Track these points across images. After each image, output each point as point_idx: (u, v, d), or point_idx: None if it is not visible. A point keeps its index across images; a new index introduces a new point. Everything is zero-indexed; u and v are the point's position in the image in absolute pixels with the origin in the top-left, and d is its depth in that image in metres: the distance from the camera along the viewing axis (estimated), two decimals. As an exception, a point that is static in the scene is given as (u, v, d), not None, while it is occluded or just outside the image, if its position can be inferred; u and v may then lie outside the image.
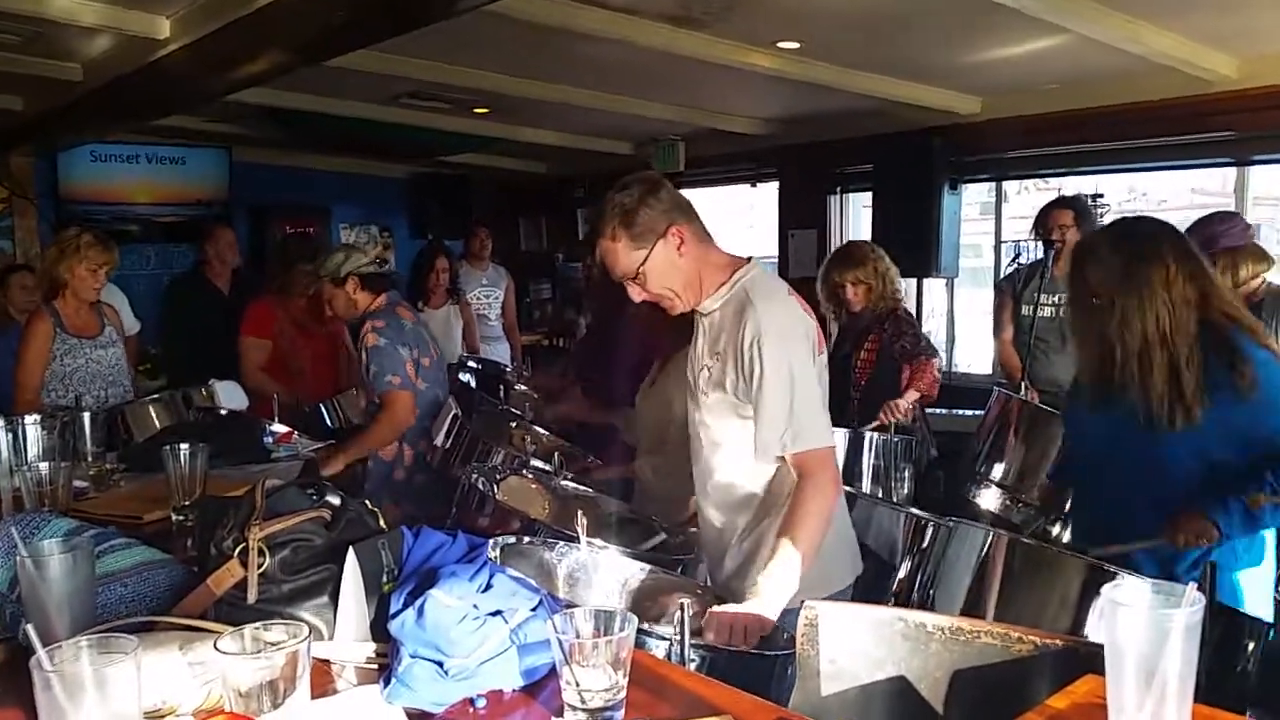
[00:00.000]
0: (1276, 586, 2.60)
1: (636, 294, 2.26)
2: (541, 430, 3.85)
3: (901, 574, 2.36)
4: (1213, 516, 2.24)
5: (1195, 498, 2.29)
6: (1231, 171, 5.61)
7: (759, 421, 2.16)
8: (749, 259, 2.31)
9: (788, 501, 2.16)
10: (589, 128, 7.39)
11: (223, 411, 3.50)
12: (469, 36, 4.71)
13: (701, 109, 6.63)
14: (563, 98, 6.02)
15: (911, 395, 4.07)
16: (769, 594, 1.97)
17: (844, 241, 7.07)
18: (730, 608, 1.94)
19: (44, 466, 2.14)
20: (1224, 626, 1.95)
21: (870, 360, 4.27)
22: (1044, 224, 4.55)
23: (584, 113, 6.51)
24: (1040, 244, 4.63)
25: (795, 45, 4.94)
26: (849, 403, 4.16)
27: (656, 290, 2.23)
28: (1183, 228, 3.53)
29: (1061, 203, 4.64)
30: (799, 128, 6.86)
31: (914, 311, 6.84)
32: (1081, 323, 2.53)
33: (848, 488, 2.97)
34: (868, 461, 3.68)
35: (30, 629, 1.06)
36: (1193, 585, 1.07)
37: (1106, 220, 5.74)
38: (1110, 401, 2.43)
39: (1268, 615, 2.38)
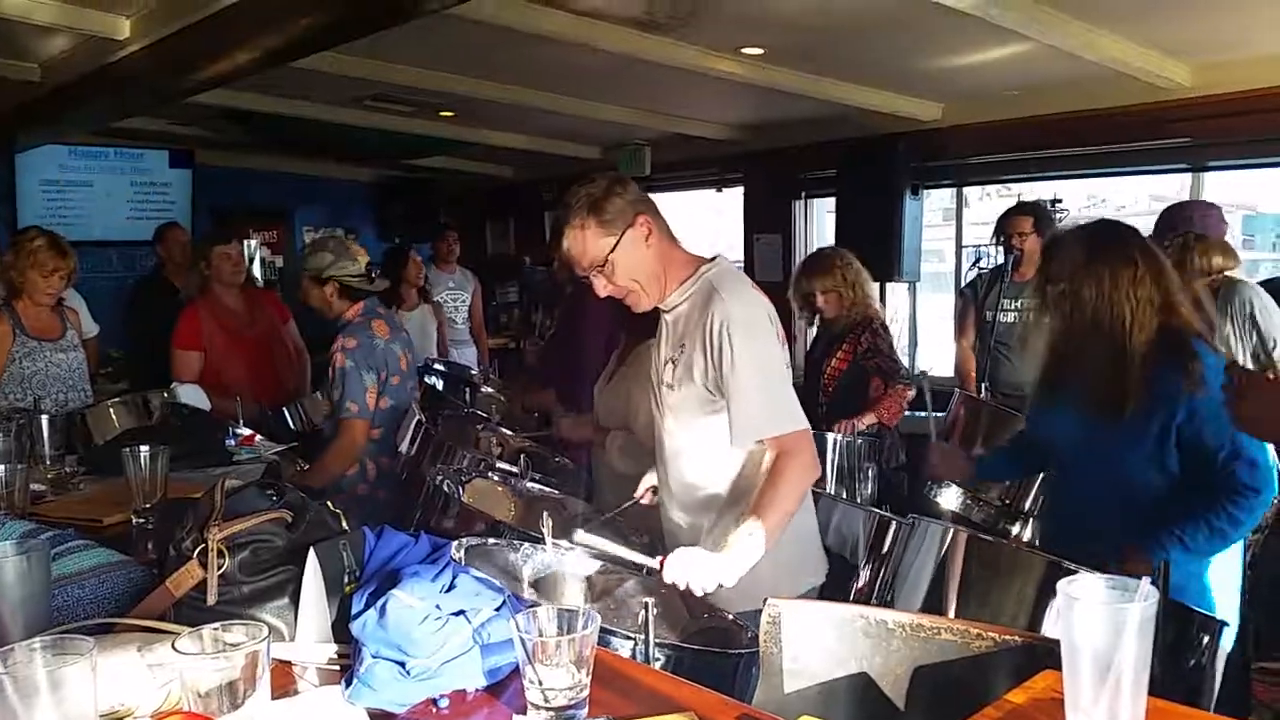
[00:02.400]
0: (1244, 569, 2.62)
1: (602, 287, 2.27)
2: (507, 432, 3.83)
3: (864, 572, 2.38)
4: (1152, 556, 2.23)
5: (1140, 528, 2.29)
6: (1188, 178, 5.70)
7: (735, 407, 2.17)
8: (714, 257, 2.33)
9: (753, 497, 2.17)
10: (555, 132, 7.39)
11: (185, 411, 3.45)
12: (434, 39, 4.70)
13: (667, 114, 6.65)
14: (528, 101, 6.01)
15: (868, 419, 4.04)
16: (737, 552, 2.00)
17: (811, 247, 7.14)
18: (691, 553, 1.97)
19: (-1, 469, 2.11)
20: (1178, 623, 1.98)
21: (840, 369, 4.25)
22: (1004, 230, 4.61)
23: (550, 117, 6.51)
24: (1001, 250, 4.69)
25: (759, 51, 4.98)
26: (816, 409, 4.15)
27: (622, 281, 2.25)
28: (1145, 231, 3.60)
29: (1021, 209, 4.70)
30: (763, 133, 6.90)
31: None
32: (1041, 317, 2.53)
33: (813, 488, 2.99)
34: (831, 462, 3.70)
35: (-18, 630, 1.04)
36: (1146, 580, 1.09)
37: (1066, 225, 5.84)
38: (1063, 398, 2.46)
39: (1234, 604, 2.41)
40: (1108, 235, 2.44)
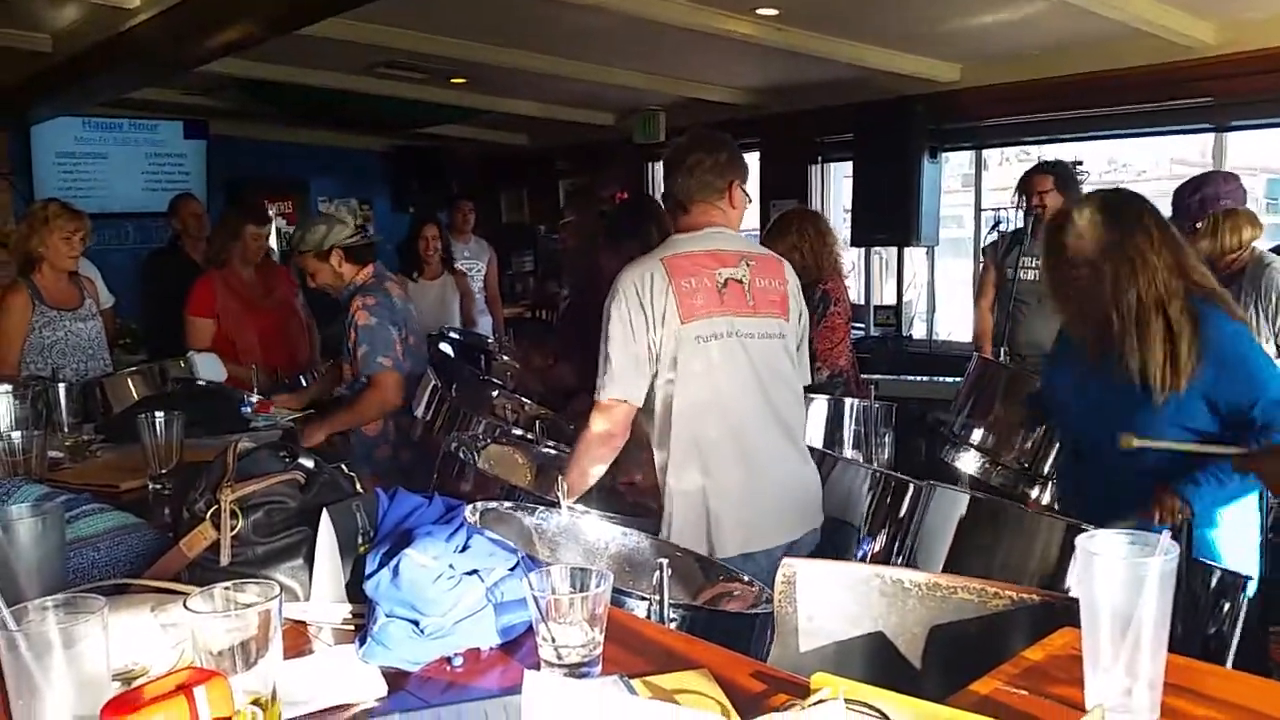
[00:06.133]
0: (1263, 531, 2.60)
1: None
2: (523, 399, 3.83)
3: (881, 536, 2.38)
4: (1183, 493, 2.26)
5: (1169, 473, 2.30)
6: (1209, 141, 5.62)
7: None
8: (687, 230, 2.53)
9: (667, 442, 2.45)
10: (569, 98, 7.34)
11: (201, 382, 3.46)
12: (444, 4, 4.66)
13: (682, 79, 6.59)
14: (541, 67, 5.97)
15: (823, 375, 4.06)
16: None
17: (828, 212, 7.09)
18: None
19: (16, 435, 2.11)
20: (1200, 581, 1.97)
21: None
22: (1025, 189, 4.56)
23: (563, 83, 6.47)
24: (1021, 212, 4.65)
25: (774, 12, 4.91)
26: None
27: None
28: (1163, 197, 3.59)
29: (1043, 168, 4.65)
30: (779, 97, 6.83)
31: (897, 279, 6.86)
32: (1062, 290, 2.51)
33: (828, 451, 2.99)
34: (849, 427, 3.68)
35: (-6, 589, 1.04)
36: (1166, 533, 1.07)
37: (1086, 189, 5.78)
38: (1103, 369, 2.42)
39: (1252, 564, 2.39)
40: (1119, 205, 2.42)
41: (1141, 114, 5.46)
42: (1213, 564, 2.04)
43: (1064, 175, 4.57)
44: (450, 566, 1.32)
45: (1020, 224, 4.66)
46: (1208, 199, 3.53)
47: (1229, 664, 1.93)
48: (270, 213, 8.20)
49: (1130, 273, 2.29)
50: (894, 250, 6.88)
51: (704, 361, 2.42)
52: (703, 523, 2.40)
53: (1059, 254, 2.44)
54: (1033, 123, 5.99)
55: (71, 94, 6.08)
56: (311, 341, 4.87)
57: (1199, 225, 3.50)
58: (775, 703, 1.12)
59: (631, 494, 2.68)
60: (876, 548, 2.45)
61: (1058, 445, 3.16)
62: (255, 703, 1.03)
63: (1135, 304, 2.29)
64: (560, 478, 2.17)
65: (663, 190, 2.63)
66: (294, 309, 4.81)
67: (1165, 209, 3.78)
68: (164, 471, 2.16)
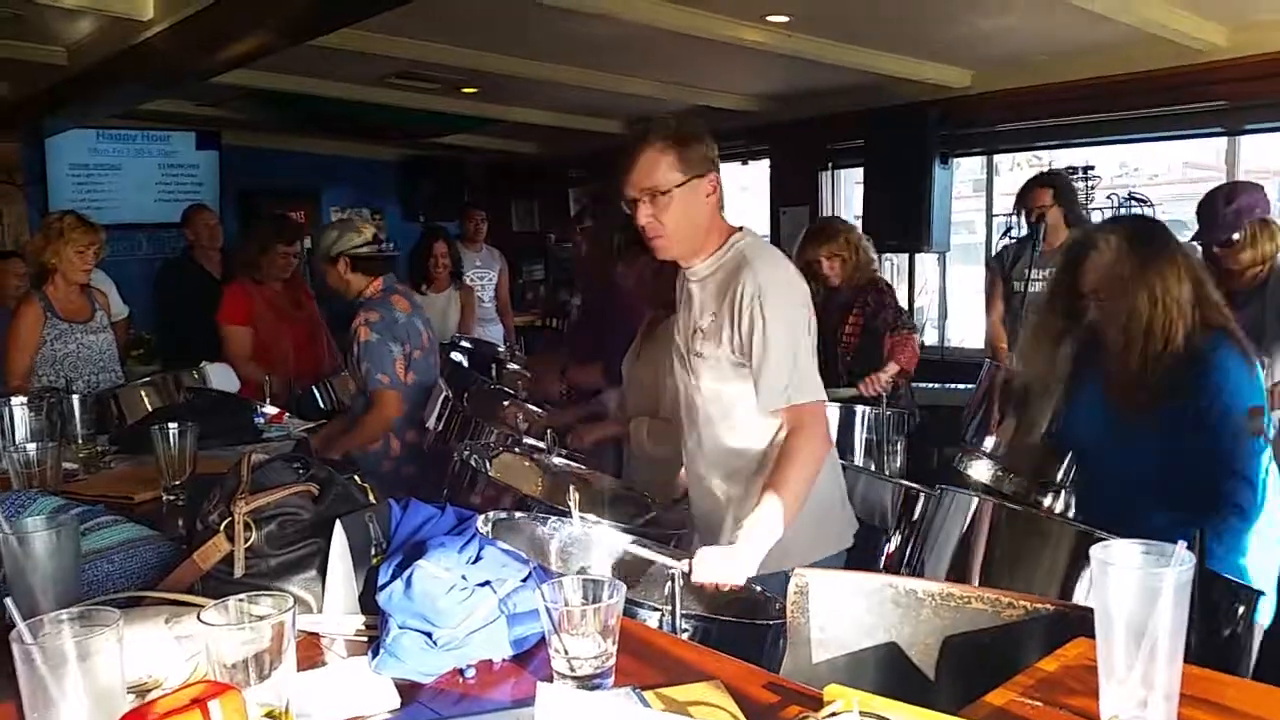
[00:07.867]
0: None
1: (644, 214, 2.22)
2: (534, 408, 3.84)
3: (892, 545, 2.37)
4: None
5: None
6: (1223, 145, 5.59)
7: (762, 374, 2.19)
8: (741, 228, 2.36)
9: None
10: (579, 107, 7.35)
11: (212, 394, 3.48)
12: (455, 14, 4.67)
13: (692, 86, 6.59)
14: (551, 76, 5.98)
15: (892, 369, 4.16)
16: (756, 538, 2.02)
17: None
18: (716, 551, 1.98)
19: (31, 448, 2.13)
20: (1214, 592, 1.95)
21: (855, 334, 4.34)
22: (1025, 202, 4.56)
23: (574, 91, 6.47)
24: (1026, 221, 4.64)
25: (785, 19, 4.91)
26: (838, 378, 4.17)
27: (667, 220, 2.21)
28: (1175, 201, 3.49)
29: (1041, 181, 4.64)
30: (789, 104, 6.82)
31: (908, 286, 6.85)
32: (1056, 318, 2.48)
33: (840, 461, 2.97)
34: (860, 435, 3.68)
35: (9, 602, 1.05)
36: (1182, 544, 1.06)
37: (1095, 194, 5.75)
38: (1105, 400, 2.41)
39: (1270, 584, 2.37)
40: (1150, 233, 2.39)
41: (1153, 118, 5.42)
42: (1226, 576, 2.02)
43: (1063, 187, 4.56)
44: (463, 578, 1.33)
45: (1028, 231, 4.66)
46: (1244, 209, 3.36)
47: (1244, 675, 1.92)
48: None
49: (1149, 303, 2.26)
50: (905, 257, 6.86)
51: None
52: (836, 523, 2.37)
53: (1074, 281, 2.40)
54: (1044, 128, 5.96)
55: (86, 106, 6.12)
56: (331, 350, 4.92)
57: (1236, 236, 3.35)
58: (788, 715, 1.11)
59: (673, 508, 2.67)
60: (890, 548, 2.45)
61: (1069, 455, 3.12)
62: (269, 715, 1.04)
63: (1144, 334, 2.27)
64: (571, 488, 2.17)
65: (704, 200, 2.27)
66: (320, 320, 4.87)
67: (1180, 211, 3.67)
68: (178, 483, 2.16)
